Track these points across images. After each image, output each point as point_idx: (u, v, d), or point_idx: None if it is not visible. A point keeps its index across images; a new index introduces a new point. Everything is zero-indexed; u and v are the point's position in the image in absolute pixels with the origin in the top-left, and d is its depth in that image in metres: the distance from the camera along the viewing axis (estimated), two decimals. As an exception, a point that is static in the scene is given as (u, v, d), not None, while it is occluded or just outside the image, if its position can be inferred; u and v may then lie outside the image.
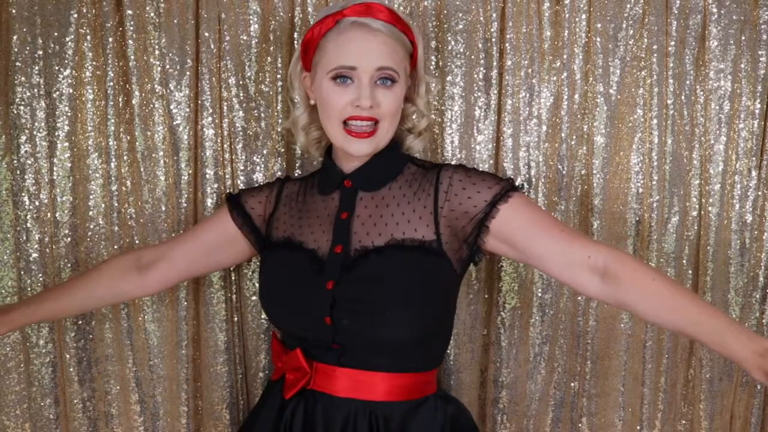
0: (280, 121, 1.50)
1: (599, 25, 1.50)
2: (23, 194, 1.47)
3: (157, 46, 1.46)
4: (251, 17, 1.47)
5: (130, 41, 1.44)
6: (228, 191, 1.49)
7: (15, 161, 1.46)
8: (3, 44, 1.42)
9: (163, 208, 1.50)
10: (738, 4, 1.51)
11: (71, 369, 1.53)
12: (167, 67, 1.46)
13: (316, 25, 1.18)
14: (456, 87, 1.51)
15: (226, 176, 1.50)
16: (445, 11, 1.49)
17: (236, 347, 1.56)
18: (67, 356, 1.53)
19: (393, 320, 1.12)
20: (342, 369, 1.17)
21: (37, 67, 1.43)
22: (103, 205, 1.49)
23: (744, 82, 1.54)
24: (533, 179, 1.53)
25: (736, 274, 1.60)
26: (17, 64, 1.42)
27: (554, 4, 1.49)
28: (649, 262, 1.56)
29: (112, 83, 1.46)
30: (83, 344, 1.53)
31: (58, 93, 1.45)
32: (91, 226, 1.50)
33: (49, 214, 1.48)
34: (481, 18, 1.49)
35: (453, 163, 1.37)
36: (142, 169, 1.49)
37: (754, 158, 1.56)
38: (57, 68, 1.44)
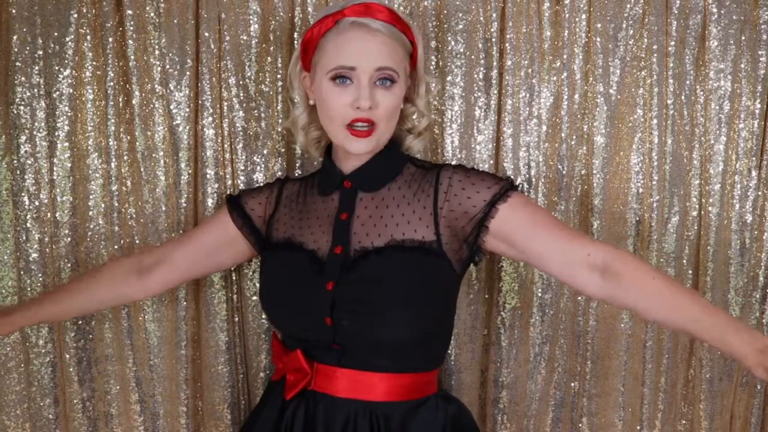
0: (280, 121, 1.50)
1: (599, 25, 1.50)
2: (23, 194, 1.47)
3: (157, 46, 1.45)
4: (251, 17, 1.47)
5: (130, 41, 1.44)
6: (228, 192, 1.49)
7: (15, 161, 1.46)
8: (3, 44, 1.42)
9: (163, 208, 1.50)
10: (738, 4, 1.51)
11: (71, 369, 1.53)
12: (167, 67, 1.46)
13: (315, 25, 1.18)
14: (456, 87, 1.51)
15: (227, 176, 1.50)
16: (445, 11, 1.49)
17: (237, 347, 1.56)
18: (67, 356, 1.53)
19: (393, 321, 1.12)
20: (342, 369, 1.17)
21: (37, 67, 1.43)
22: (103, 205, 1.49)
23: (744, 82, 1.54)
24: (533, 179, 1.53)
25: (736, 274, 1.60)
26: (17, 64, 1.42)
27: (554, 4, 1.49)
28: (649, 262, 1.56)
29: (112, 83, 1.46)
30: (83, 344, 1.53)
31: (58, 93, 1.45)
32: (91, 226, 1.50)
33: (49, 214, 1.48)
34: (481, 18, 1.49)
35: (453, 163, 1.36)
36: (142, 169, 1.49)
37: (754, 158, 1.56)
38: (57, 68, 1.44)
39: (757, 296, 1.61)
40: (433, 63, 1.50)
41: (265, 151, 1.51)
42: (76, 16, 1.43)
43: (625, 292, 1.09)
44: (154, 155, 1.49)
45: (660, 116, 1.53)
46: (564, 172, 1.54)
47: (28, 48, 1.42)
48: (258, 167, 1.51)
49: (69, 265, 1.50)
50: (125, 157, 1.49)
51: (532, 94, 1.52)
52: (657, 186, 1.54)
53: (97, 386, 1.55)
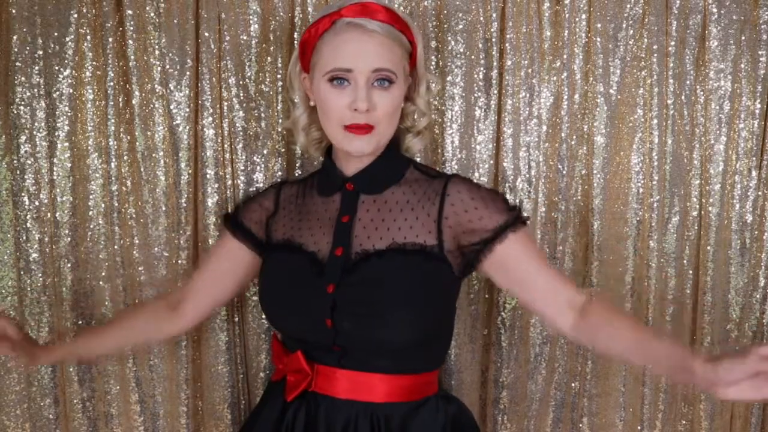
0: (280, 121, 1.50)
1: (599, 25, 1.50)
2: (23, 194, 1.47)
3: (157, 46, 1.45)
4: (251, 17, 1.47)
5: (130, 41, 1.44)
6: (228, 192, 1.49)
7: (15, 161, 1.46)
8: (3, 44, 1.43)
9: (163, 208, 1.50)
10: (738, 4, 1.51)
11: (71, 369, 1.53)
12: (167, 67, 1.46)
13: (312, 26, 1.17)
14: (456, 87, 1.51)
15: (227, 176, 1.50)
16: (445, 11, 1.49)
17: (237, 347, 1.56)
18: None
19: (394, 322, 1.12)
20: (343, 371, 1.17)
21: (37, 67, 1.43)
22: (103, 205, 1.49)
23: (744, 82, 1.54)
24: (533, 179, 1.53)
25: (737, 274, 1.60)
26: (17, 64, 1.42)
27: (554, 4, 1.49)
28: (649, 262, 1.56)
29: (112, 83, 1.46)
30: (83, 344, 1.53)
31: (58, 93, 1.45)
32: (91, 226, 1.50)
33: (49, 214, 1.48)
34: (481, 18, 1.49)
35: (457, 173, 1.33)
36: (142, 169, 1.49)
37: (754, 158, 1.56)
38: (57, 68, 1.44)
39: (758, 296, 1.61)
40: (433, 63, 1.50)
41: (265, 151, 1.51)
42: (76, 16, 1.43)
43: (594, 332, 1.12)
44: (154, 155, 1.49)
45: (660, 116, 1.52)
46: (564, 172, 1.53)
47: (28, 48, 1.42)
48: (258, 167, 1.51)
49: (69, 265, 1.50)
50: (125, 157, 1.49)
51: (532, 94, 1.52)
52: (657, 186, 1.54)
53: (97, 386, 1.55)
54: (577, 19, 1.50)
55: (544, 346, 1.57)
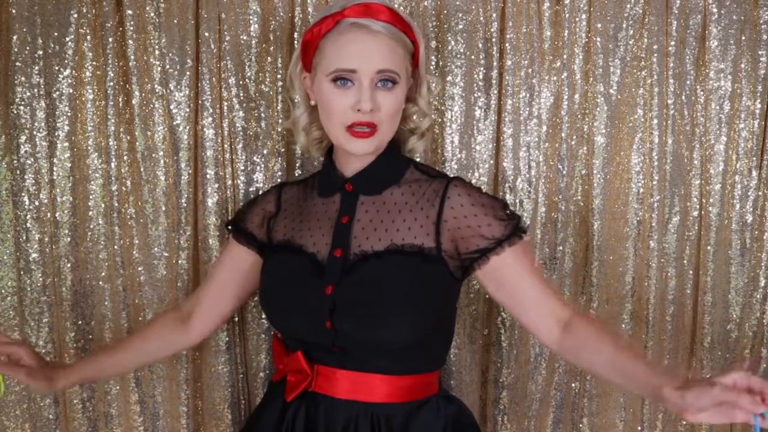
0: (280, 121, 1.50)
1: (599, 25, 1.50)
2: (23, 194, 1.47)
3: (157, 46, 1.46)
4: (251, 17, 1.47)
5: (130, 41, 1.44)
6: (228, 192, 1.49)
7: (15, 161, 1.46)
8: (3, 44, 1.43)
9: (163, 208, 1.50)
10: (738, 4, 1.51)
11: (71, 369, 1.53)
12: (167, 67, 1.46)
13: (315, 26, 1.17)
14: (456, 87, 1.51)
15: (227, 176, 1.50)
16: (445, 11, 1.49)
17: (237, 347, 1.56)
18: (67, 356, 1.52)
19: (392, 323, 1.12)
20: (343, 371, 1.17)
21: (37, 67, 1.43)
22: (103, 205, 1.49)
23: (744, 82, 1.54)
24: (533, 179, 1.53)
25: (737, 275, 1.59)
26: (17, 64, 1.42)
27: (554, 4, 1.49)
28: (649, 262, 1.56)
29: (112, 83, 1.46)
30: (83, 345, 1.53)
31: (58, 93, 1.45)
32: (91, 226, 1.50)
33: (49, 214, 1.48)
34: (481, 18, 1.49)
35: (458, 176, 1.33)
36: (142, 169, 1.49)
37: (754, 158, 1.56)
38: (57, 68, 1.45)
39: (758, 296, 1.61)
40: (433, 63, 1.50)
41: (265, 151, 1.51)
42: (76, 16, 1.43)
43: (576, 348, 1.12)
44: (154, 155, 1.49)
45: (660, 116, 1.52)
46: (564, 172, 1.53)
47: (28, 48, 1.42)
48: (258, 167, 1.51)
49: (69, 265, 1.50)
50: (125, 157, 1.49)
51: (532, 94, 1.52)
52: (657, 186, 1.54)
53: (97, 386, 1.55)
54: (577, 19, 1.50)
55: (544, 346, 1.57)
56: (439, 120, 1.52)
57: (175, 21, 1.45)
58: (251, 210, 1.34)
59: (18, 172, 1.46)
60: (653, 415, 1.62)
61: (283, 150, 1.52)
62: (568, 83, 1.51)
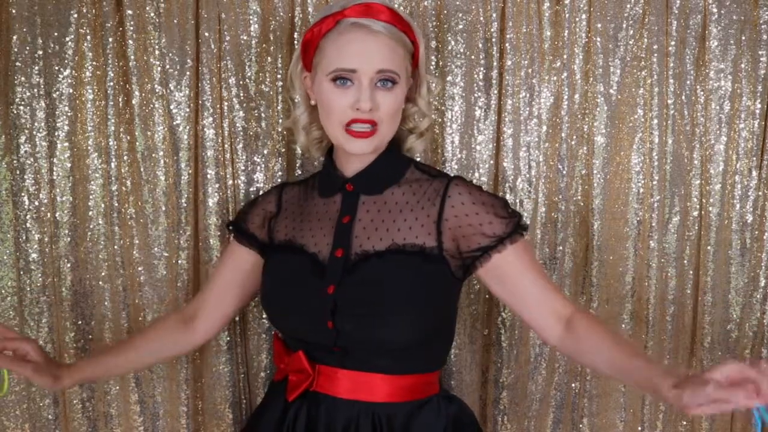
0: (280, 121, 1.50)
1: (599, 25, 1.50)
2: (23, 194, 1.47)
3: (157, 46, 1.45)
4: (251, 17, 1.47)
5: (130, 41, 1.44)
6: (228, 192, 1.49)
7: (15, 161, 1.46)
8: (3, 44, 1.43)
9: (163, 208, 1.50)
10: (738, 4, 1.51)
11: (71, 369, 1.53)
12: (167, 67, 1.46)
13: (315, 26, 1.17)
14: (456, 87, 1.51)
15: (227, 176, 1.50)
16: (445, 11, 1.49)
17: (238, 347, 1.55)
18: (67, 356, 1.52)
19: (394, 322, 1.12)
20: (344, 371, 1.17)
21: (37, 67, 1.43)
22: (103, 205, 1.49)
23: (744, 82, 1.54)
24: (533, 179, 1.53)
25: (737, 275, 1.59)
26: (17, 64, 1.42)
27: (554, 4, 1.49)
28: (649, 262, 1.56)
29: (112, 83, 1.46)
30: (83, 345, 1.53)
31: (58, 93, 1.45)
32: (91, 226, 1.50)
33: (49, 214, 1.48)
34: (481, 18, 1.49)
35: (459, 175, 1.33)
36: (142, 169, 1.49)
37: (754, 158, 1.56)
38: (57, 68, 1.44)
39: (758, 297, 1.61)
40: (433, 63, 1.50)
41: (265, 151, 1.51)
42: (76, 16, 1.43)
43: (577, 345, 1.12)
44: (154, 155, 1.49)
45: (660, 116, 1.52)
46: (564, 172, 1.53)
47: (28, 48, 1.42)
48: (258, 167, 1.51)
49: (69, 265, 1.50)
50: (125, 157, 1.49)
51: (532, 94, 1.52)
52: (657, 186, 1.54)
53: (97, 386, 1.55)
54: (577, 19, 1.50)
55: (544, 346, 1.57)
56: (439, 120, 1.52)
57: (175, 21, 1.45)
58: (252, 210, 1.34)
59: (18, 172, 1.46)
60: (653, 415, 1.62)
61: (283, 150, 1.52)
62: (568, 83, 1.51)
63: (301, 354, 1.18)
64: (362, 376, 1.16)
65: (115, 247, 1.50)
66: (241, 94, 1.49)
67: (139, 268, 1.51)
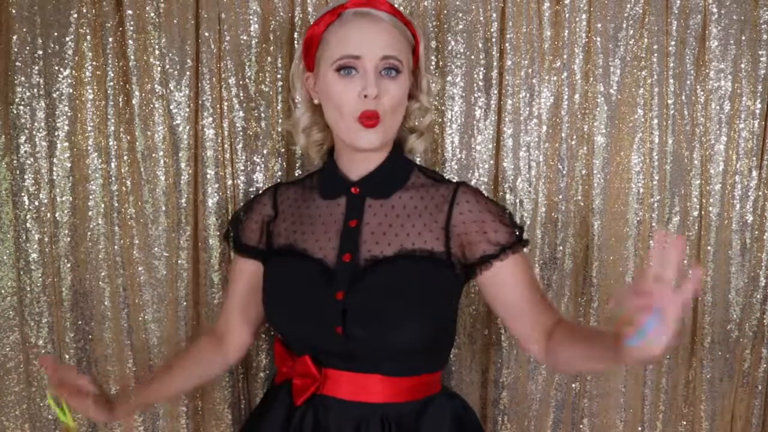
0: (280, 121, 1.50)
1: (599, 25, 1.50)
2: (23, 194, 1.47)
3: (157, 46, 1.45)
4: (251, 17, 1.47)
5: (130, 41, 1.44)
6: (228, 192, 1.49)
7: (15, 161, 1.46)
8: (3, 44, 1.42)
9: (163, 208, 1.50)
10: (738, 4, 1.51)
11: (71, 369, 1.53)
12: (167, 67, 1.46)
13: (316, 22, 1.16)
14: (456, 87, 1.51)
15: (227, 176, 1.50)
16: (445, 11, 1.49)
17: (237, 347, 1.55)
18: (67, 356, 1.52)
19: (405, 326, 1.11)
20: (351, 373, 1.15)
21: (37, 67, 1.43)
22: (103, 205, 1.49)
23: (744, 82, 1.54)
24: (533, 179, 1.53)
25: (737, 275, 1.59)
26: (17, 64, 1.42)
27: (554, 4, 1.49)
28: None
29: (112, 83, 1.46)
30: (83, 344, 1.53)
31: (58, 93, 1.45)
32: (91, 226, 1.50)
33: (49, 214, 1.48)
34: (481, 18, 1.49)
35: (464, 181, 1.31)
36: (142, 169, 1.49)
37: (754, 158, 1.56)
38: (57, 68, 1.44)
39: (758, 297, 1.61)
40: (433, 63, 1.50)
41: (265, 151, 1.51)
42: (76, 16, 1.43)
43: (555, 355, 1.13)
44: (154, 155, 1.48)
45: (660, 116, 1.52)
46: (564, 172, 1.53)
47: (28, 48, 1.42)
48: (258, 167, 1.51)
49: (69, 265, 1.50)
50: (125, 157, 1.49)
51: (532, 94, 1.52)
52: (657, 186, 1.54)
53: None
54: (577, 19, 1.50)
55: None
56: (439, 120, 1.52)
57: (175, 21, 1.45)
58: (248, 217, 1.30)
59: (18, 172, 1.46)
60: (653, 415, 1.62)
61: (283, 150, 1.52)
62: (568, 83, 1.51)
63: (308, 359, 1.16)
64: (370, 378, 1.15)
65: (115, 247, 1.50)
66: (241, 94, 1.49)
67: (139, 268, 1.51)
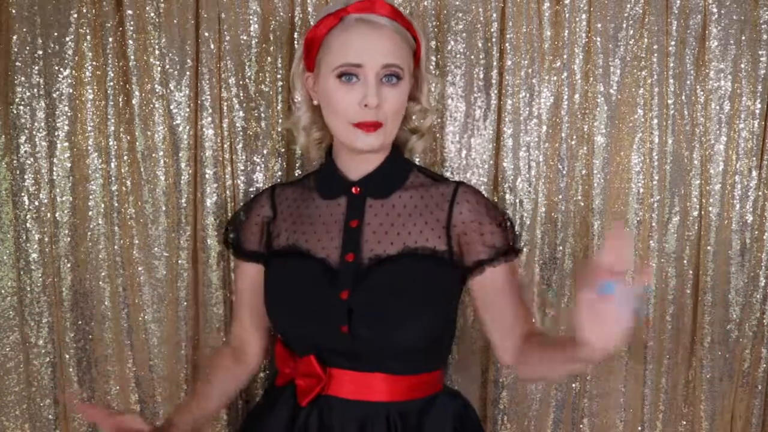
0: (280, 121, 1.50)
1: (599, 25, 1.50)
2: (23, 194, 1.47)
3: (157, 46, 1.45)
4: (251, 17, 1.47)
5: (130, 41, 1.44)
6: (227, 192, 1.49)
7: (15, 161, 1.46)
8: (3, 44, 1.42)
9: (163, 208, 1.50)
10: (738, 4, 1.51)
11: (71, 369, 1.53)
12: (167, 67, 1.46)
13: (318, 24, 1.16)
14: (456, 87, 1.51)
15: (226, 176, 1.50)
16: (445, 11, 1.49)
17: (236, 347, 1.55)
18: (67, 356, 1.52)
19: (410, 325, 1.11)
20: (355, 373, 1.16)
21: (37, 67, 1.43)
22: (103, 205, 1.49)
23: (744, 82, 1.54)
24: (533, 179, 1.53)
25: (737, 275, 1.59)
26: (17, 64, 1.42)
27: (554, 4, 1.49)
28: (649, 262, 1.56)
29: (112, 83, 1.46)
30: (83, 344, 1.53)
31: (58, 93, 1.45)
32: (91, 226, 1.50)
33: (49, 214, 1.48)
34: (481, 18, 1.49)
35: (464, 181, 1.32)
36: (142, 169, 1.49)
37: (754, 158, 1.56)
38: (57, 68, 1.44)
39: (758, 297, 1.61)
40: (433, 63, 1.50)
41: (265, 151, 1.51)
42: (76, 16, 1.43)
43: (522, 365, 1.16)
44: (154, 155, 1.48)
45: (660, 116, 1.52)
46: (564, 172, 1.53)
47: (28, 48, 1.42)
48: (258, 167, 1.51)
49: (69, 265, 1.50)
50: (125, 157, 1.49)
51: (532, 94, 1.52)
52: (657, 186, 1.54)
53: (97, 386, 1.55)
54: (577, 19, 1.50)
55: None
56: (439, 120, 1.52)
57: (175, 21, 1.45)
58: (247, 221, 1.30)
59: (18, 172, 1.46)
60: (653, 415, 1.62)
61: (282, 150, 1.52)
62: (568, 83, 1.51)
63: (313, 358, 1.16)
64: (374, 377, 1.15)
65: (115, 247, 1.50)
66: (241, 94, 1.49)
67: (139, 268, 1.51)
